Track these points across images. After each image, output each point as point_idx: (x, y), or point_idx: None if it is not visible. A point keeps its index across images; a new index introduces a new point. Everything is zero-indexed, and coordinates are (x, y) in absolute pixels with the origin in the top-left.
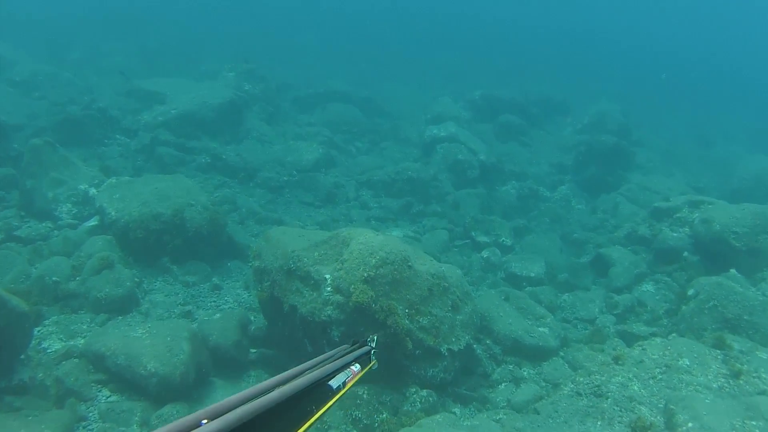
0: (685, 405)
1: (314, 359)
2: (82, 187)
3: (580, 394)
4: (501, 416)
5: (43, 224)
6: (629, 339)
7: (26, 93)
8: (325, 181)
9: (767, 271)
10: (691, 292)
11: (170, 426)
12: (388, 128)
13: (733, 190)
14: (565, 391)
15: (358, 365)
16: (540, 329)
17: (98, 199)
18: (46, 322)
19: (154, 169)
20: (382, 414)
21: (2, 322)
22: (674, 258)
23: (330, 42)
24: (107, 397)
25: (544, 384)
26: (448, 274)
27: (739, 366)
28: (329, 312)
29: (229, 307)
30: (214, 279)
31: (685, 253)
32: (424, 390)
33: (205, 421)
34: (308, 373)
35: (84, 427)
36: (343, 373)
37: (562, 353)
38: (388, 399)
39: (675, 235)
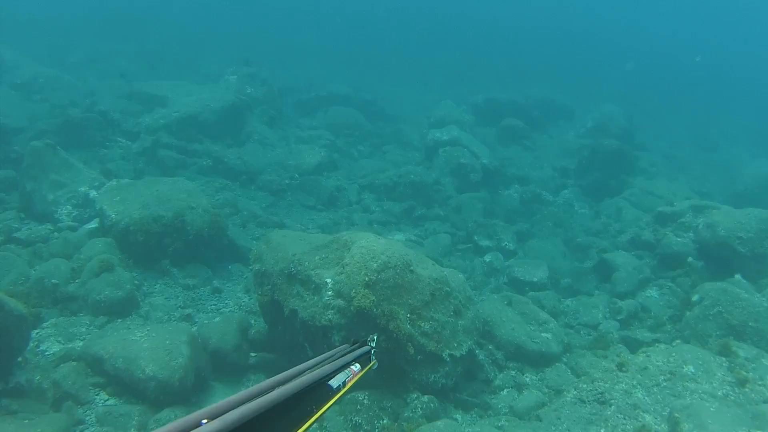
0: (689, 413)
1: (314, 359)
2: (82, 189)
3: (584, 401)
4: (503, 423)
5: (43, 226)
6: (633, 345)
7: (27, 95)
8: (327, 185)
9: None
10: (695, 297)
11: (170, 426)
12: (391, 131)
13: (737, 195)
14: (568, 398)
15: (358, 365)
16: (543, 335)
17: (98, 202)
18: (45, 324)
19: (155, 172)
20: (383, 420)
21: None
22: (678, 263)
23: (332, 45)
24: (105, 401)
25: (546, 390)
26: (450, 279)
27: (745, 373)
28: (330, 316)
29: (230, 311)
30: (214, 282)
31: (690, 259)
32: (426, 396)
33: (205, 420)
34: (308, 373)
35: (81, 431)
36: (343, 373)
37: (565, 359)
38: (388, 405)
39: (679, 240)
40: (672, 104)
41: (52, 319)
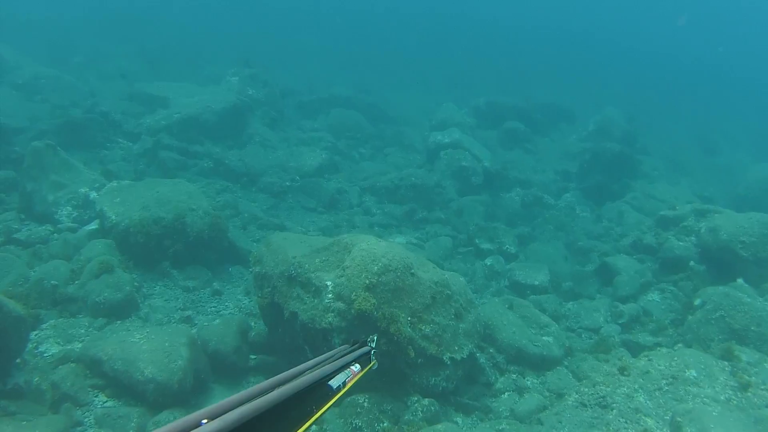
0: (692, 417)
1: (314, 359)
2: (82, 190)
3: (585, 405)
4: (504, 426)
5: (43, 227)
6: (634, 349)
7: (28, 96)
8: (328, 187)
9: None
10: (697, 302)
11: (170, 426)
12: (392, 134)
13: (739, 199)
14: (570, 402)
15: (358, 365)
16: (544, 338)
17: (99, 203)
18: (44, 325)
19: (156, 173)
20: (383, 423)
21: None
22: (680, 267)
23: (334, 47)
24: (104, 403)
25: (547, 394)
26: (451, 282)
27: (747, 378)
28: (330, 319)
29: (230, 313)
30: (214, 284)
31: (692, 263)
32: (426, 399)
33: (205, 421)
34: (308, 374)
35: None
36: (343, 373)
37: (566, 363)
38: (389, 408)
39: (681, 244)
40: (674, 107)
41: (52, 321)
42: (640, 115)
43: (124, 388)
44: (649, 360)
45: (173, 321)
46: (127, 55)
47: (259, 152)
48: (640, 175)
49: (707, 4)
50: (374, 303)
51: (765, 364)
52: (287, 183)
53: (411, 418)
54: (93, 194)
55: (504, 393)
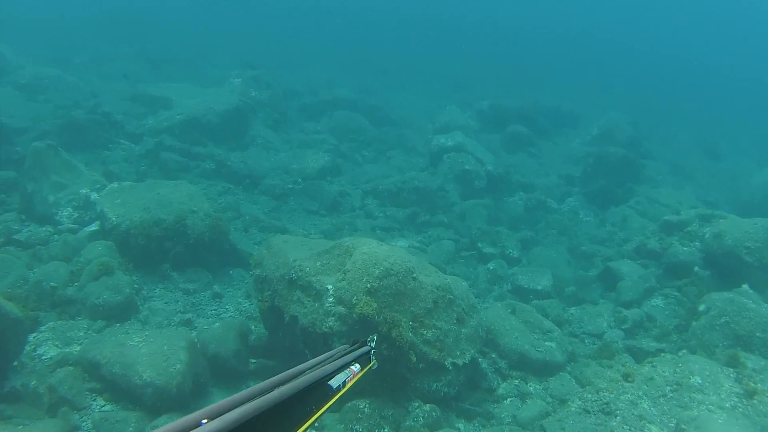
0: (697, 425)
1: (314, 359)
2: (83, 191)
3: (588, 412)
4: None
5: (44, 228)
6: (638, 355)
7: (31, 96)
8: (331, 190)
9: None
10: (702, 307)
11: (170, 426)
12: (395, 137)
13: (743, 204)
14: (573, 408)
15: (358, 365)
16: (547, 343)
17: (99, 204)
18: (43, 328)
19: (157, 175)
20: (384, 429)
21: None
22: (684, 272)
23: (337, 49)
24: (101, 407)
25: (550, 400)
26: (453, 286)
27: (753, 385)
28: (331, 323)
29: (230, 316)
30: (215, 287)
31: (696, 268)
32: (428, 405)
33: (205, 420)
34: (308, 373)
35: None
36: (343, 373)
37: (569, 368)
38: (390, 413)
39: (685, 249)
40: (677, 111)
41: (50, 323)
42: (644, 119)
43: (122, 392)
44: (653, 366)
45: (173, 324)
46: (130, 56)
47: (261, 154)
48: (644, 179)
49: (708, 6)
50: (376, 307)
51: None
52: (289, 185)
53: (412, 424)
54: (94, 195)
55: (506, 399)
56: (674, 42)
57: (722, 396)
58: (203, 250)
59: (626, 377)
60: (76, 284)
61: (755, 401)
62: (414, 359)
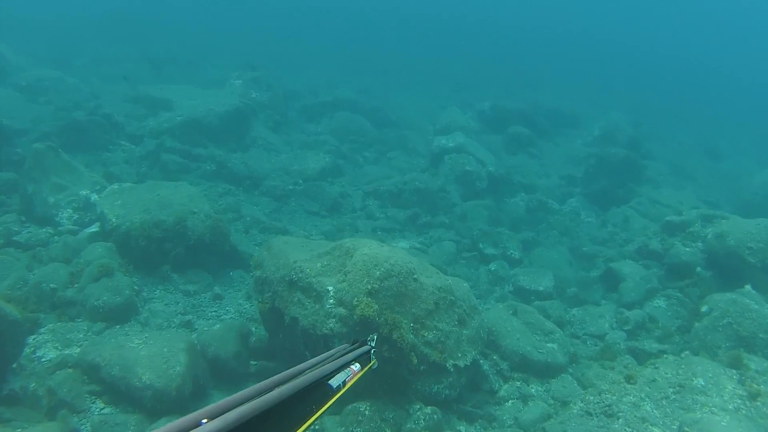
0: (700, 427)
1: (314, 359)
2: (83, 192)
3: (590, 414)
4: None
5: (44, 230)
6: (640, 356)
7: (32, 97)
8: (331, 191)
9: None
10: (704, 308)
11: (170, 426)
12: (396, 138)
13: (745, 204)
14: (575, 410)
15: (358, 365)
16: (548, 345)
17: (99, 206)
18: (42, 330)
19: (158, 176)
20: (385, 431)
21: None
22: (687, 273)
23: (338, 50)
24: (101, 409)
25: (552, 402)
26: (454, 288)
27: (757, 386)
28: (331, 325)
29: (231, 318)
30: (215, 288)
31: (698, 269)
32: (429, 407)
33: (205, 420)
34: (308, 373)
35: None
36: (343, 372)
37: (571, 370)
38: (390, 416)
39: (687, 249)
40: (678, 112)
41: (50, 325)
42: (645, 120)
43: (122, 394)
44: (656, 368)
45: (173, 325)
46: (130, 57)
47: (262, 155)
48: (645, 180)
49: (708, 6)
50: (376, 309)
51: None
52: (290, 186)
53: (413, 426)
54: (94, 197)
55: (508, 401)
56: (674, 42)
57: (725, 398)
58: (203, 251)
59: (628, 379)
60: (76, 286)
61: (758, 403)
62: (415, 361)
